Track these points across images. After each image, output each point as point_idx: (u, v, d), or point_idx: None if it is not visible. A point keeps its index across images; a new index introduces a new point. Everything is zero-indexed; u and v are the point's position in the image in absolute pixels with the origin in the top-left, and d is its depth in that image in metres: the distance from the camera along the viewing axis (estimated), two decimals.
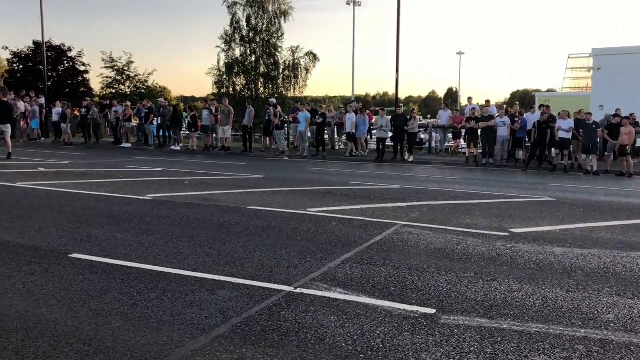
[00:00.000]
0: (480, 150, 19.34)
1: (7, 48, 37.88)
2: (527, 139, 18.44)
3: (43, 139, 25.42)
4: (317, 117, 20.84)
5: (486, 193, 11.56)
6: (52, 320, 4.03)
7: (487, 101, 22.53)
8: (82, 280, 4.97)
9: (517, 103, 25.00)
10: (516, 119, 18.58)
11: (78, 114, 24.41)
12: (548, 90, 56.12)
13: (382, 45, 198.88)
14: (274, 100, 23.60)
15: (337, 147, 23.24)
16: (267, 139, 22.47)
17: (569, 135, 17.28)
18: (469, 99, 23.38)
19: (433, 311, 4.40)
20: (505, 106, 22.66)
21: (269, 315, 4.21)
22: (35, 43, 36.67)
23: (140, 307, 4.33)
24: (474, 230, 7.52)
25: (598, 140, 17.39)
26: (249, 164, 17.35)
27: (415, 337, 3.89)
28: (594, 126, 16.96)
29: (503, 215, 8.77)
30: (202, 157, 19.60)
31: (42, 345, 3.61)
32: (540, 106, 19.53)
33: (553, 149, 18.05)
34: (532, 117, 18.51)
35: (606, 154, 17.80)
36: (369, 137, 22.23)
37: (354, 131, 20.74)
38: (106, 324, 3.99)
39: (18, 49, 37.64)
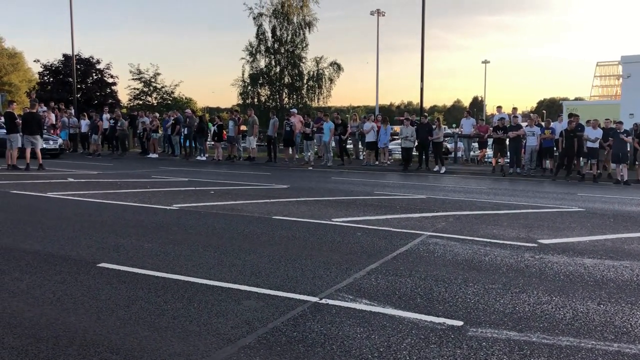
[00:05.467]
0: (508, 160, 19.12)
1: (38, 61, 39.02)
2: (555, 148, 18.19)
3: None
4: (338, 129, 20.91)
5: (513, 203, 11.40)
6: (81, 329, 4.08)
7: (514, 109, 22.27)
8: (110, 289, 5.03)
9: (544, 112, 24.68)
10: (549, 128, 18.28)
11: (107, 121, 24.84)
12: (576, 99, 55.18)
13: (406, 55, 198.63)
14: (295, 110, 23.74)
15: (361, 157, 23.24)
16: (290, 149, 22.55)
17: (596, 145, 16.99)
18: (498, 107, 23.07)
19: (460, 323, 4.33)
20: (532, 115, 22.36)
21: (295, 326, 4.20)
22: (65, 56, 37.59)
23: (166, 317, 4.36)
24: (501, 241, 7.41)
25: (628, 149, 17.05)
26: (273, 174, 17.42)
27: (443, 349, 3.83)
28: (624, 135, 16.63)
29: (531, 226, 8.63)
30: (227, 167, 19.76)
31: (72, 354, 3.65)
32: (569, 115, 19.26)
33: (581, 158, 17.77)
34: (560, 126, 18.25)
35: (637, 163, 17.43)
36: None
37: (373, 140, 20.76)
38: (133, 332, 4.02)
39: (49, 62, 38.65)
